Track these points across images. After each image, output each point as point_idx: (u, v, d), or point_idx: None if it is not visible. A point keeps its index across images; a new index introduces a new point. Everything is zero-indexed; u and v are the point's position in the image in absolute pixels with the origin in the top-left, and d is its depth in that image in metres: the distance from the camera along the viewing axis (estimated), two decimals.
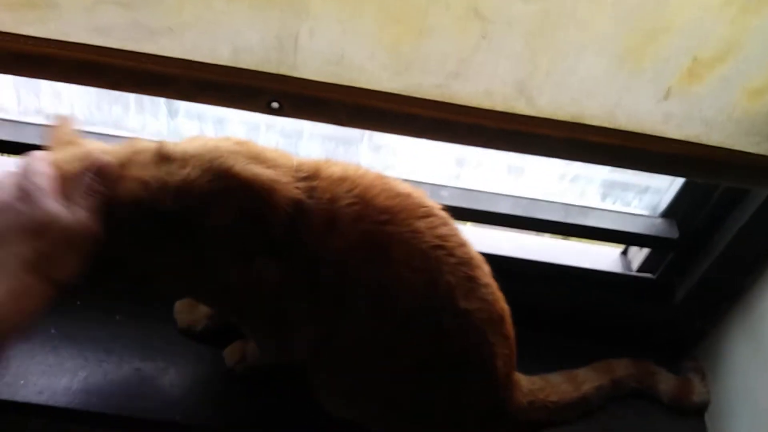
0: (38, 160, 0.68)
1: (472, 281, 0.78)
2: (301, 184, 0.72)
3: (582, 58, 0.63)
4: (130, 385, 0.91)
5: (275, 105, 0.68)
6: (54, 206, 0.65)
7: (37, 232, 0.64)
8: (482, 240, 0.82)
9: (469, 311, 0.77)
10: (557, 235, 1.03)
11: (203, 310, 0.97)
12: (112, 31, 0.66)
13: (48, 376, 0.89)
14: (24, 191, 0.65)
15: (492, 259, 0.81)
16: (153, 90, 0.71)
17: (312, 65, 0.66)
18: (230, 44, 0.66)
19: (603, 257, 1.07)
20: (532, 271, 1.03)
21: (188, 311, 0.97)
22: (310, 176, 0.73)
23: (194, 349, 0.96)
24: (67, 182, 0.67)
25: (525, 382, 0.91)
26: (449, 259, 0.76)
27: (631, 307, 1.06)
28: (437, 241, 0.76)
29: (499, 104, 0.66)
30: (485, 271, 0.80)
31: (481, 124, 0.66)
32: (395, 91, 0.66)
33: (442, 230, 0.77)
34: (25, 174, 0.66)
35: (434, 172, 0.97)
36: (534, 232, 1.04)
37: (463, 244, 0.78)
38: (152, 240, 0.70)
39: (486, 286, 0.79)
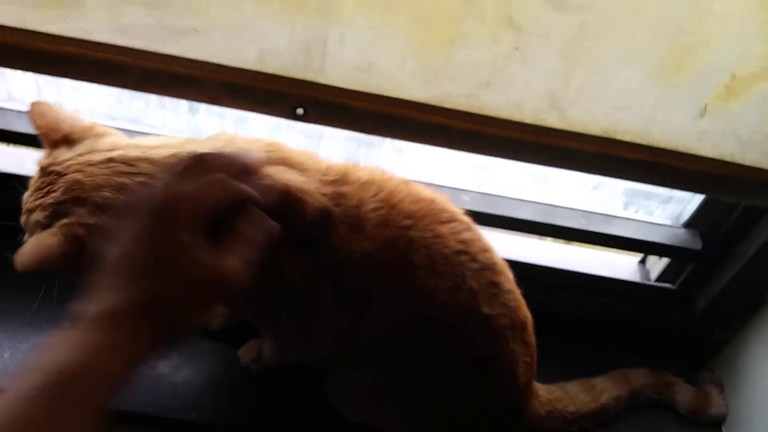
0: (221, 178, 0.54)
1: (494, 287, 0.77)
2: (328, 189, 0.71)
3: (617, 71, 0.61)
4: (143, 383, 0.90)
5: (300, 111, 0.67)
6: (202, 246, 0.52)
7: (167, 271, 0.51)
8: (500, 245, 0.81)
9: (492, 317, 0.76)
10: (578, 242, 1.02)
11: (219, 307, 0.96)
12: (136, 31, 0.65)
13: None
14: (172, 211, 0.51)
15: (510, 264, 0.80)
16: (176, 92, 0.70)
17: (340, 71, 0.64)
18: (257, 47, 0.65)
19: (621, 266, 1.06)
20: (549, 278, 1.02)
21: None
22: (338, 180, 0.73)
23: (209, 347, 0.95)
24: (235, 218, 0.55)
25: (543, 391, 0.91)
26: (472, 264, 0.75)
27: (649, 317, 1.05)
28: (460, 246, 0.75)
29: (529, 116, 0.64)
30: (508, 277, 0.79)
31: (510, 136, 0.65)
32: (424, 101, 0.64)
33: (465, 235, 0.76)
34: (188, 190, 0.52)
35: (456, 176, 0.95)
36: (553, 239, 1.03)
37: (486, 250, 0.78)
38: None
39: (509, 292, 0.78)
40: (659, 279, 1.04)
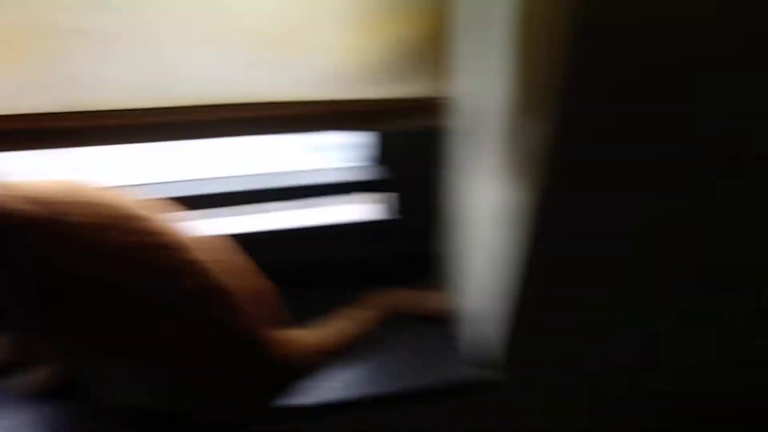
0: None
1: (185, 264, 0.84)
2: (28, 206, 0.75)
3: (181, 50, 0.70)
4: None
5: None
6: None
7: None
8: (230, 223, 0.89)
9: (190, 289, 0.84)
10: (290, 200, 1.11)
11: None
12: None
13: None
14: None
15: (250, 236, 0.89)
16: None
17: None
18: None
19: (349, 210, 1.17)
20: (288, 238, 1.12)
21: None
22: (38, 197, 0.76)
23: None
24: None
25: (294, 335, 0.98)
26: (158, 251, 0.82)
27: (378, 248, 1.17)
28: (148, 239, 0.81)
29: (138, 103, 0.72)
30: (196, 251, 0.86)
31: (125, 123, 0.73)
32: (37, 111, 0.71)
33: (146, 226, 0.82)
34: None
35: (158, 168, 1.03)
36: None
37: (169, 234, 0.84)
38: None
39: (197, 262, 0.86)
40: (381, 214, 1.16)
